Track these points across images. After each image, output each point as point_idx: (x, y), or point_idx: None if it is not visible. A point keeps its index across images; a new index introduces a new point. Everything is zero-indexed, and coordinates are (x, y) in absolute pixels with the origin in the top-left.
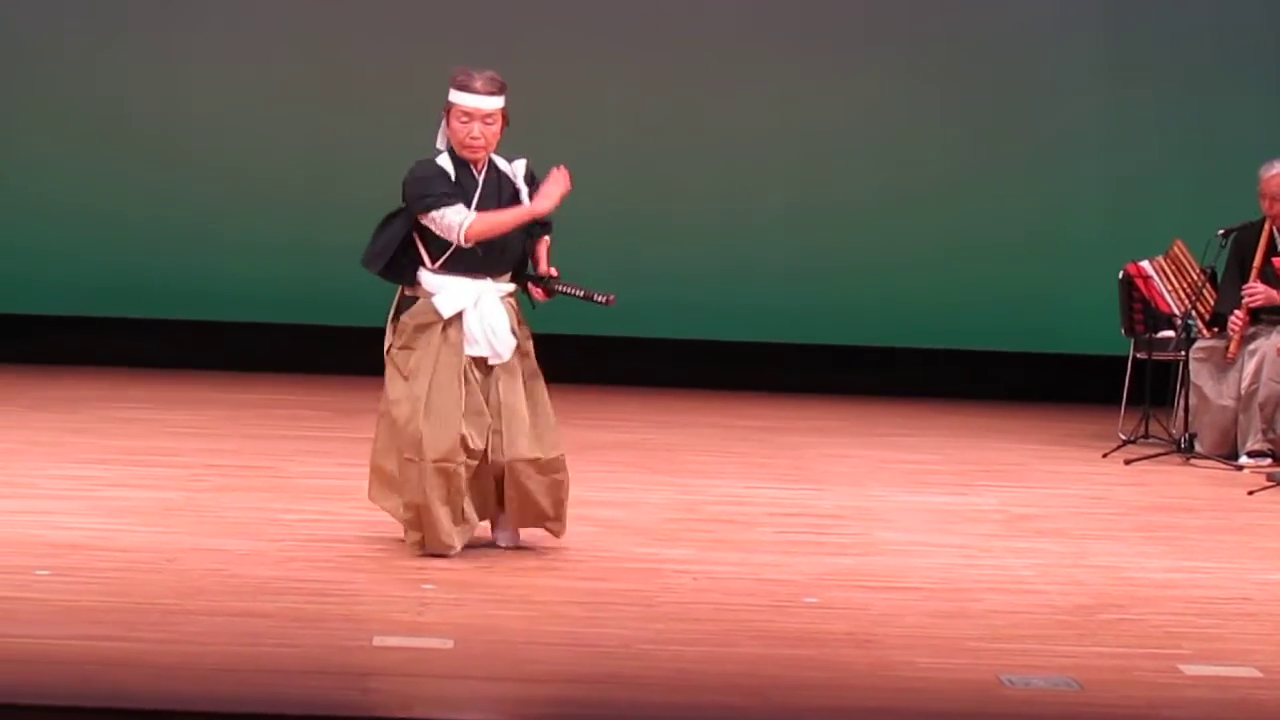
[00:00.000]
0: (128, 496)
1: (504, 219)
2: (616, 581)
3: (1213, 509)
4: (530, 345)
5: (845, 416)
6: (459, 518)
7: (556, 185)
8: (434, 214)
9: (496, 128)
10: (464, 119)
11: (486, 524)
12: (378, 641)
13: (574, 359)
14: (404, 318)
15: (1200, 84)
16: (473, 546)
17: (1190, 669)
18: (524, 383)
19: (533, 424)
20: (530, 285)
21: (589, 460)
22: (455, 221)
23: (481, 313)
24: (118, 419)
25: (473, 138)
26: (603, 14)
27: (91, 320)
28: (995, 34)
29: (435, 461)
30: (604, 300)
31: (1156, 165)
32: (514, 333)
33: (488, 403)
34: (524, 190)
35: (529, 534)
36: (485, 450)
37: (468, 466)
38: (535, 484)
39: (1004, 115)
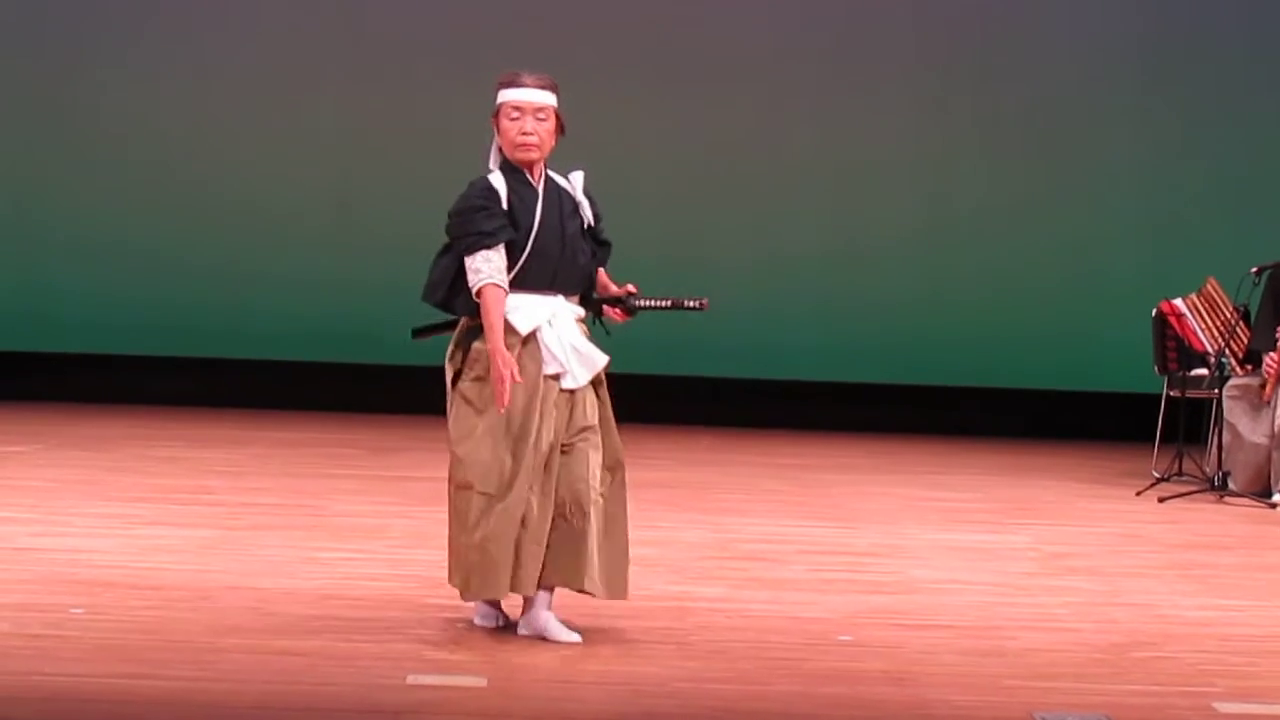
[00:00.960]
0: (163, 534)
1: (491, 321)
2: (650, 620)
3: (1246, 546)
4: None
5: (879, 454)
6: (520, 561)
7: (501, 380)
8: (467, 258)
9: (550, 125)
10: (514, 115)
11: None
12: (412, 680)
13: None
14: (476, 344)
15: (1235, 122)
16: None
17: (1224, 706)
18: (601, 409)
19: (613, 456)
20: (607, 308)
21: None
22: (478, 275)
23: (559, 330)
24: (152, 457)
25: (524, 134)
26: (636, 56)
27: (124, 358)
28: (1030, 74)
29: (506, 496)
30: (696, 305)
31: (1190, 203)
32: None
33: (567, 428)
34: (584, 204)
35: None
36: (551, 489)
37: (538, 503)
38: (609, 526)
39: (1038, 154)
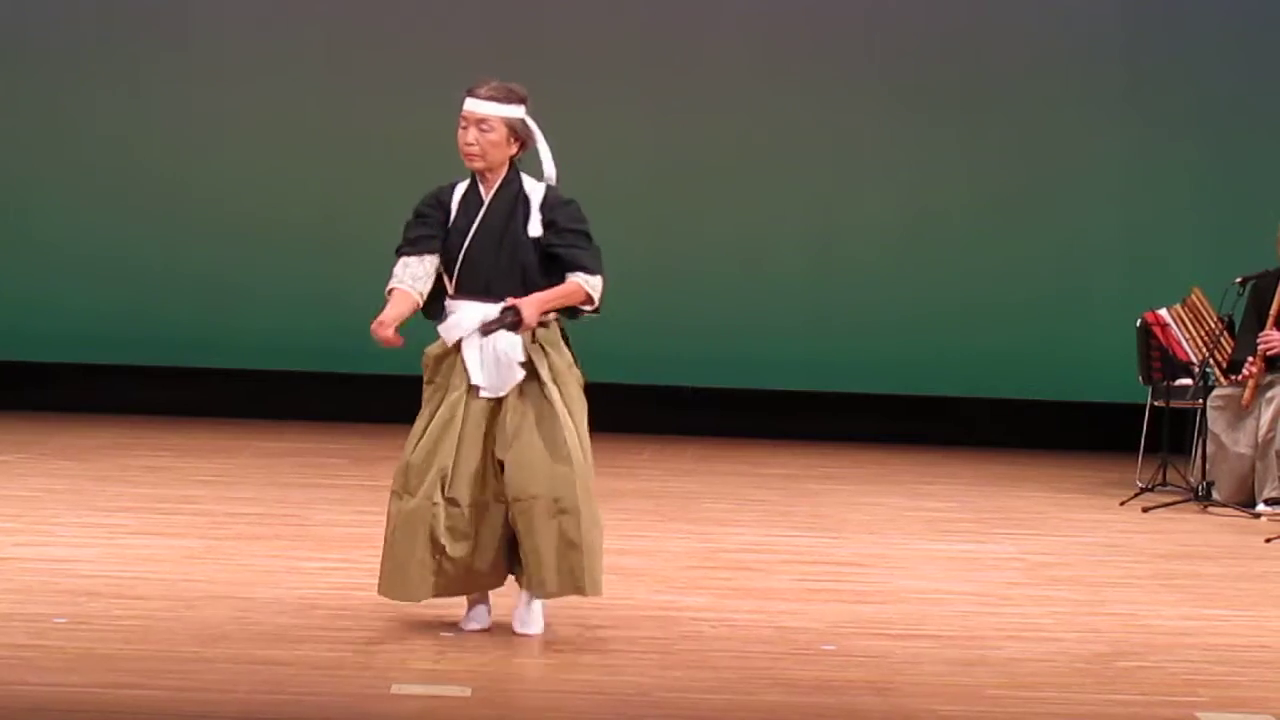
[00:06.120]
0: (147, 544)
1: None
2: (635, 629)
3: (1230, 556)
4: (571, 375)
5: (864, 464)
6: (430, 568)
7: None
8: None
9: (494, 136)
10: (461, 124)
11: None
12: (396, 690)
13: (593, 407)
14: (427, 349)
15: (1219, 132)
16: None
17: (1208, 716)
18: (543, 414)
19: (548, 459)
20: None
21: (608, 508)
22: (391, 280)
23: (488, 339)
24: (137, 467)
25: (466, 144)
26: (619, 67)
27: (109, 368)
28: (1013, 86)
29: (411, 496)
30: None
31: (1174, 213)
32: (526, 365)
33: (497, 439)
34: (535, 218)
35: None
36: (485, 497)
37: (447, 512)
38: (544, 526)
39: (1021, 165)
